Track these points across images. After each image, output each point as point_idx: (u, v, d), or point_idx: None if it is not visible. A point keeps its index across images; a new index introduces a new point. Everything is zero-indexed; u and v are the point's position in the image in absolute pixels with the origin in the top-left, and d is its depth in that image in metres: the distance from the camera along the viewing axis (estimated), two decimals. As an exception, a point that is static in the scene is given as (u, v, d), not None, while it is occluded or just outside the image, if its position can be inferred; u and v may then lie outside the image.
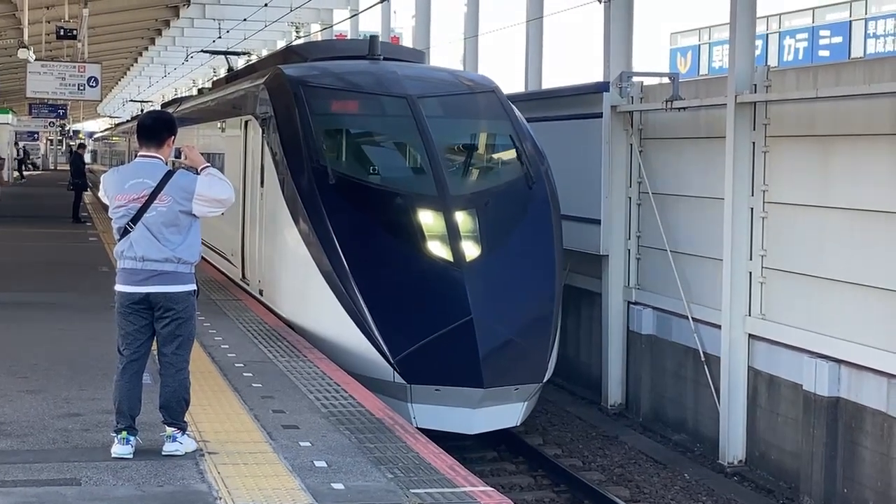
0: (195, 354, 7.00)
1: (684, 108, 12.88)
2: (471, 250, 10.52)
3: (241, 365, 9.20)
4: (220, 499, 5.74)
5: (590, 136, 14.31)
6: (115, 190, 6.41)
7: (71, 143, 45.93)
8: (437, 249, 10.48)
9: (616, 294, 14.08)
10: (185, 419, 6.53)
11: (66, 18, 24.88)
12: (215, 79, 28.60)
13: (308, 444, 6.82)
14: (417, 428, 7.88)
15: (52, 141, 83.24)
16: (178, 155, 6.64)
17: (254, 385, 8.46)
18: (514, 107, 12.45)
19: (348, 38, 26.87)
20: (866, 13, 32.93)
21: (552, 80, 27.42)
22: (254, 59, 28.12)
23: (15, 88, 43.29)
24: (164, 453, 6.41)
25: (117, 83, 59.31)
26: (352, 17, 28.44)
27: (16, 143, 56.80)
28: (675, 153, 13.35)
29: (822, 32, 34.30)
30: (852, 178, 10.32)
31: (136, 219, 6.30)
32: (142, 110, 45.12)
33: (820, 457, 10.33)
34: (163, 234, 6.30)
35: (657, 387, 13.49)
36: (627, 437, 12.86)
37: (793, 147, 11.19)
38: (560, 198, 11.86)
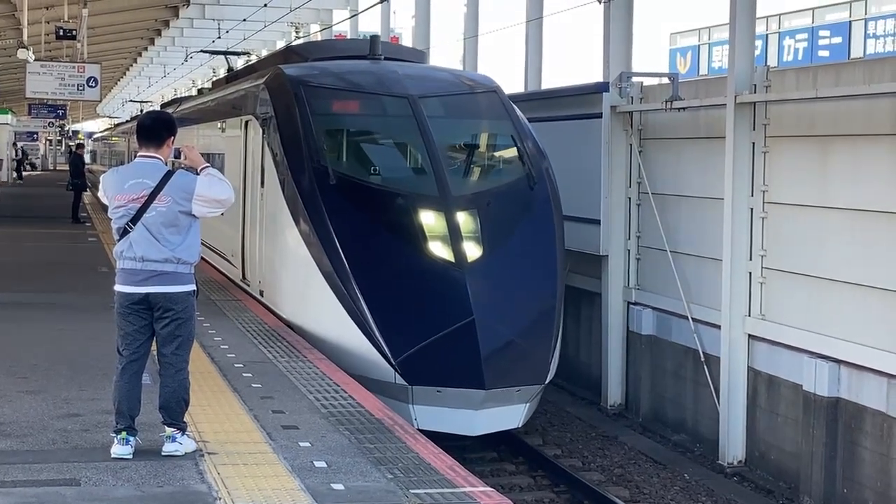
0: (195, 355, 7.00)
1: (684, 109, 12.88)
2: (472, 251, 10.49)
3: (241, 365, 9.19)
4: (220, 499, 5.74)
5: (589, 136, 14.30)
6: (114, 190, 6.40)
7: (70, 144, 45.89)
8: (439, 250, 10.45)
9: (616, 294, 14.08)
10: (184, 419, 6.52)
11: (66, 18, 24.88)
12: (215, 79, 28.59)
13: (308, 444, 6.82)
14: (419, 429, 7.86)
15: (51, 141, 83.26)
16: (177, 155, 6.64)
17: (253, 385, 8.45)
18: (515, 107, 12.43)
19: (348, 38, 26.84)
20: (866, 13, 32.93)
21: (552, 80, 27.45)
22: (253, 59, 28.11)
23: (14, 89, 43.29)
24: (163, 454, 6.40)
25: (117, 83, 59.31)
26: (351, 17, 28.44)
27: (14, 144, 56.80)
28: (675, 153, 13.34)
29: (821, 33, 34.30)
30: (852, 179, 10.32)
31: (135, 219, 6.30)
32: (141, 110, 45.12)
33: (820, 457, 10.33)
34: (162, 234, 6.30)
35: (657, 387, 13.49)
36: (627, 437, 12.85)
37: (792, 147, 11.19)
38: (560, 198, 11.84)
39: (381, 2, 21.39)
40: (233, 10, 30.04)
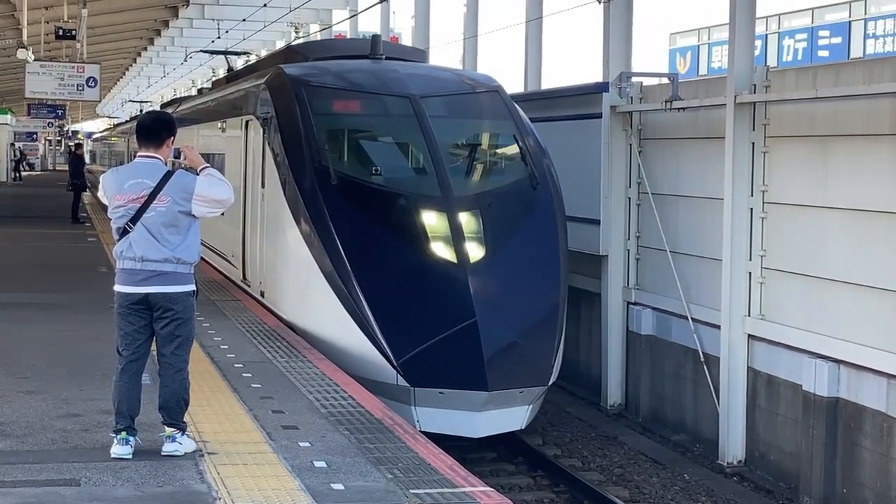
0: (194, 355, 7.00)
1: (684, 109, 12.88)
2: (475, 252, 10.44)
3: (241, 365, 9.19)
4: (220, 499, 5.74)
5: (589, 136, 14.30)
6: (114, 190, 6.40)
7: (70, 144, 45.87)
8: (441, 251, 10.40)
9: (615, 294, 14.08)
10: (184, 419, 6.52)
11: (65, 19, 24.86)
12: (215, 79, 28.56)
13: (307, 444, 6.82)
14: (421, 431, 7.84)
15: (50, 141, 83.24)
16: (177, 155, 6.64)
17: (253, 385, 8.45)
18: (517, 106, 12.39)
19: (348, 37, 26.83)
20: (865, 13, 32.94)
21: (552, 80, 27.44)
22: (253, 59, 28.10)
23: (14, 89, 43.29)
24: (163, 454, 6.40)
25: (116, 83, 59.27)
26: (351, 17, 28.43)
27: (12, 145, 56.77)
28: (675, 153, 13.34)
29: (821, 33, 34.31)
30: (852, 179, 10.32)
31: (135, 219, 6.30)
32: (141, 110, 45.12)
33: (819, 457, 10.33)
34: (162, 234, 6.30)
35: (657, 387, 13.48)
36: (627, 437, 12.85)
37: (792, 147, 11.19)
38: (563, 198, 11.80)
39: (380, 2, 21.38)
40: (232, 10, 30.03)
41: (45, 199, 33.56)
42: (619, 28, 14.35)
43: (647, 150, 13.87)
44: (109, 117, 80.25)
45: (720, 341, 11.78)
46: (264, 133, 12.59)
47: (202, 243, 6.62)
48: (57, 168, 73.83)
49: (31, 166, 70.37)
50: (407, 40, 33.20)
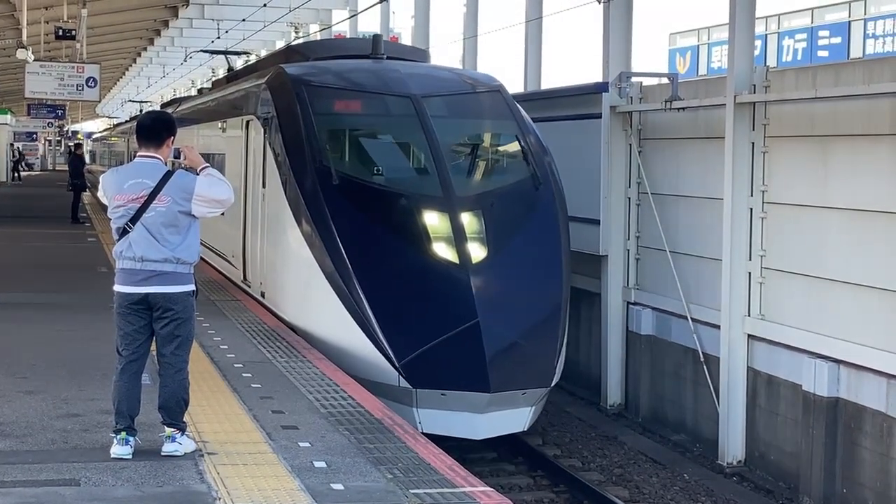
0: (194, 355, 6.99)
1: (683, 109, 12.88)
2: (477, 252, 10.40)
3: (240, 365, 9.19)
4: (220, 499, 5.74)
5: (589, 136, 14.30)
6: (114, 190, 6.40)
7: (70, 144, 45.89)
8: (443, 251, 10.35)
9: (615, 294, 14.08)
10: (184, 419, 6.52)
11: (65, 19, 24.86)
12: (215, 79, 28.56)
13: (307, 444, 6.81)
14: (423, 433, 7.82)
15: (50, 141, 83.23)
16: (177, 155, 6.64)
17: (253, 385, 8.45)
18: (519, 106, 12.36)
19: (348, 37, 26.81)
20: (865, 13, 32.94)
21: (552, 80, 27.45)
22: (253, 59, 28.08)
23: (13, 89, 43.28)
24: (163, 454, 6.41)
25: (116, 83, 59.29)
26: (351, 17, 28.43)
27: (11, 145, 56.75)
28: (675, 153, 13.34)
29: (821, 33, 34.32)
30: (852, 179, 10.32)
31: (134, 219, 6.30)
32: (140, 110, 45.11)
33: (819, 457, 10.33)
34: (162, 234, 6.30)
35: (656, 387, 13.48)
36: (627, 437, 12.85)
37: (792, 147, 11.19)
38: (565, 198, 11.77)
39: (380, 2, 21.38)
40: (232, 10, 30.04)
41: (45, 199, 33.56)
42: (619, 28, 14.35)
43: (647, 150, 13.87)
44: (109, 117, 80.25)
45: (720, 341, 11.78)
46: (265, 133, 12.56)
47: (202, 243, 6.62)
48: (57, 168, 73.80)
49: (30, 166, 70.35)
50: (407, 40, 33.19)
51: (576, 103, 14.93)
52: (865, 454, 9.98)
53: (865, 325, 10.05)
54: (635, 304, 13.89)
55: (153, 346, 6.48)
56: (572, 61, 72.62)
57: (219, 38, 31.70)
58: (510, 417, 10.19)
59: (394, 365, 9.85)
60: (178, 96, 37.47)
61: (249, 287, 13.33)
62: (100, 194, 6.75)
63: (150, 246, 6.29)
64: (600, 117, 14.12)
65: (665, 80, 13.85)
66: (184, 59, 39.42)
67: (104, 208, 6.73)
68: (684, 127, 13.12)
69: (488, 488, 6.08)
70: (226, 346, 9.99)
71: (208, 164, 6.62)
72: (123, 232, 6.34)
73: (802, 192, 10.97)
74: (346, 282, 10.28)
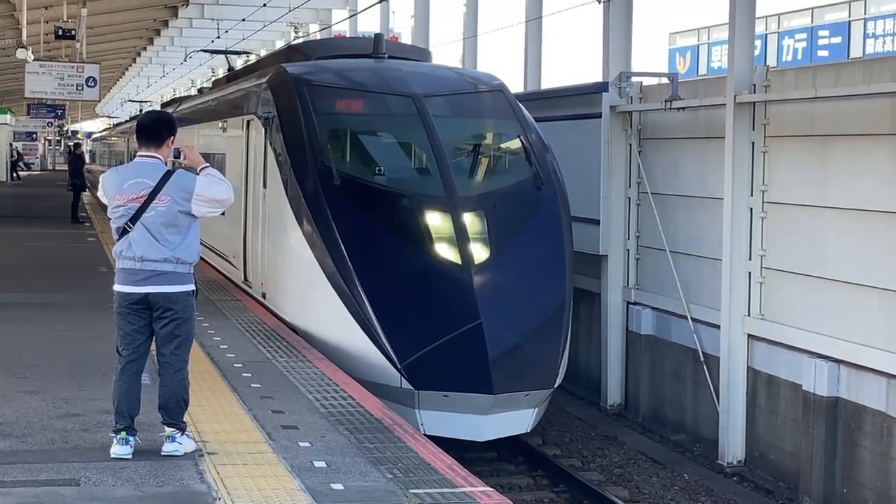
0: (194, 355, 7.00)
1: (683, 109, 12.88)
2: (479, 253, 10.33)
3: (240, 365, 9.19)
4: (220, 499, 5.74)
5: (589, 136, 14.30)
6: (113, 190, 6.40)
7: (69, 144, 45.90)
8: (445, 252, 10.28)
9: (615, 294, 14.08)
10: (184, 419, 6.52)
11: (65, 18, 24.88)
12: (216, 78, 28.56)
13: (307, 444, 6.81)
14: (425, 435, 7.79)
15: (50, 141, 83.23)
16: (177, 155, 6.64)
17: (253, 385, 8.45)
18: (521, 106, 12.31)
19: (349, 37, 26.81)
20: (865, 13, 32.94)
21: (551, 80, 27.45)
22: (253, 58, 28.07)
23: (13, 89, 43.30)
24: (163, 453, 6.41)
25: (116, 83, 59.31)
26: (350, 17, 28.43)
27: (10, 145, 56.74)
28: (675, 153, 13.34)
29: (821, 32, 34.33)
30: (851, 178, 10.33)
31: (134, 219, 6.30)
32: (140, 110, 45.12)
33: (819, 457, 10.33)
34: (162, 234, 6.30)
35: (656, 387, 13.48)
36: (627, 437, 12.85)
37: (792, 147, 11.19)
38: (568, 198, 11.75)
39: (380, 1, 21.37)
40: (232, 9, 30.05)
41: (45, 199, 33.56)
42: (619, 28, 14.35)
43: (647, 150, 13.87)
44: (109, 117, 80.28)
45: (720, 341, 11.78)
46: (266, 133, 12.51)
47: (202, 244, 6.62)
48: (56, 168, 73.80)
49: (28, 166, 70.31)
50: (406, 40, 33.19)
51: (576, 103, 14.93)
52: (865, 454, 9.98)
53: (865, 324, 10.05)
54: (635, 303, 13.89)
55: (153, 346, 6.48)
56: (572, 61, 72.62)
57: (218, 37, 31.71)
58: (513, 419, 10.13)
59: (396, 366, 9.79)
60: (178, 96, 37.47)
61: (250, 288, 13.29)
62: (100, 194, 6.75)
63: (150, 246, 6.29)
64: (600, 117, 14.12)
65: (665, 80, 13.85)
66: (183, 59, 39.43)
67: (104, 208, 6.73)
68: (684, 127, 13.12)
69: (488, 488, 6.08)
70: (226, 346, 9.99)
71: (208, 164, 6.63)
72: (123, 232, 6.34)
73: (802, 191, 10.97)
74: (348, 283, 10.22)
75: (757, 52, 14.41)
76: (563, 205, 11.40)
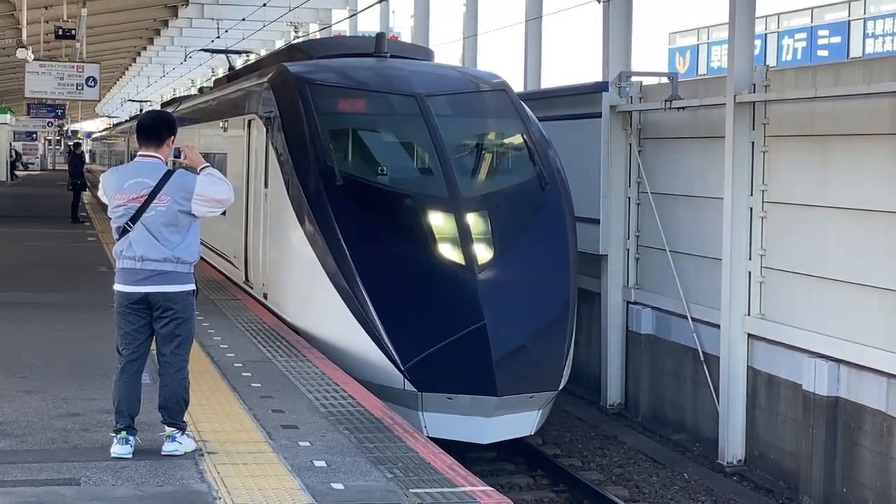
0: (194, 354, 7.00)
1: (683, 108, 12.89)
2: (483, 253, 10.25)
3: (241, 365, 9.19)
4: (220, 499, 5.74)
5: (589, 135, 14.30)
6: (114, 189, 6.41)
7: (69, 144, 45.93)
8: (448, 252, 10.21)
9: (615, 294, 14.08)
10: (184, 419, 6.53)
11: (65, 18, 24.89)
12: (216, 78, 28.55)
13: (307, 443, 6.82)
14: (429, 437, 7.76)
15: (50, 141, 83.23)
16: (177, 155, 6.65)
17: (253, 385, 8.45)
18: (525, 105, 12.25)
19: (351, 36, 26.80)
20: (865, 13, 32.94)
21: (551, 79, 27.45)
22: (253, 58, 28.06)
23: (13, 88, 43.34)
24: (163, 453, 6.41)
25: (116, 83, 59.31)
26: (350, 16, 28.43)
27: (10, 144, 56.75)
28: (675, 153, 13.35)
29: (820, 32, 34.31)
30: (851, 178, 10.33)
31: (135, 218, 6.30)
32: (140, 110, 45.12)
33: (819, 456, 10.33)
34: (162, 233, 6.30)
35: (656, 386, 13.49)
36: (627, 436, 12.85)
37: (792, 147, 11.19)
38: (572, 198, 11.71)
39: (379, 1, 21.37)
40: (232, 9, 30.05)
41: (45, 199, 33.56)
42: (619, 28, 14.35)
43: (647, 150, 13.88)
44: (109, 117, 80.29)
45: (720, 340, 11.79)
46: (267, 132, 12.44)
47: (203, 244, 6.62)
48: (56, 168, 73.80)
49: (27, 166, 70.29)
50: (406, 40, 33.20)
51: (576, 103, 14.93)
52: (865, 453, 9.98)
53: (865, 324, 10.06)
54: (635, 303, 13.90)
55: (153, 346, 6.48)
56: (572, 61, 72.63)
57: (218, 37, 31.71)
58: (517, 421, 10.06)
59: (399, 368, 9.71)
60: (178, 95, 37.47)
61: (251, 288, 13.25)
62: (100, 193, 6.75)
63: (151, 245, 6.29)
64: (600, 117, 14.12)
65: (665, 80, 13.85)
66: (183, 59, 39.44)
67: (104, 208, 6.73)
68: (684, 126, 13.12)
69: (488, 488, 6.08)
70: (226, 346, 9.99)
71: (208, 164, 6.63)
72: (123, 231, 6.35)
73: (802, 191, 10.97)
74: (351, 283, 10.14)
75: (757, 52, 14.41)
76: (567, 205, 11.31)
